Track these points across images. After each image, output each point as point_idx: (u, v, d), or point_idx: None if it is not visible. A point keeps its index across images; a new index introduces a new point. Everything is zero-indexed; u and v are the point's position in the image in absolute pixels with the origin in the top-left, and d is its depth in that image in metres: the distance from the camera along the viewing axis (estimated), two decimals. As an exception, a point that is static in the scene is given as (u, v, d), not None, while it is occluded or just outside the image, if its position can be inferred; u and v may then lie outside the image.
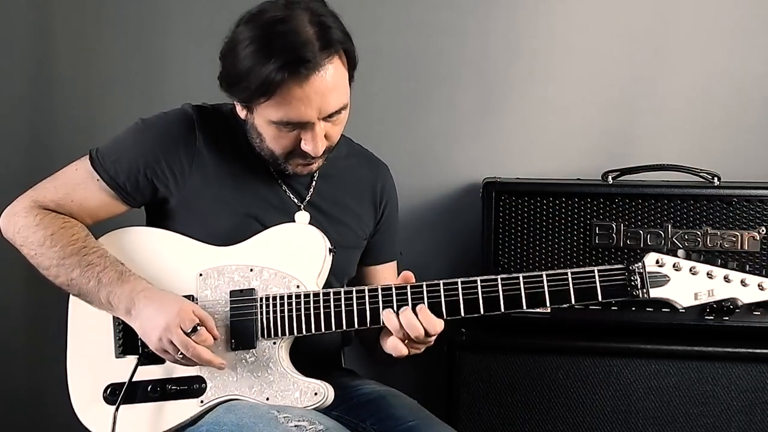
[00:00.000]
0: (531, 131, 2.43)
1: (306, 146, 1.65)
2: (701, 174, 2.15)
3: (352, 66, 1.66)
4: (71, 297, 1.75)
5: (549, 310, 2.12)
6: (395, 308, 1.58)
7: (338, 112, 1.64)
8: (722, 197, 2.09)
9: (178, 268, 1.71)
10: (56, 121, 2.52)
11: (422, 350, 1.66)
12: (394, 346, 1.60)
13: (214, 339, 1.62)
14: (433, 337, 1.61)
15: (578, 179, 2.25)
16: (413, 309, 1.57)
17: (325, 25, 1.59)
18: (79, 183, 1.74)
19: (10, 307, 2.57)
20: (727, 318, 2.07)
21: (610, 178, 2.17)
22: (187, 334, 1.58)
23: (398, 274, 1.66)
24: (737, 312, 2.04)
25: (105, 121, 2.39)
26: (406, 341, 1.59)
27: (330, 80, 1.59)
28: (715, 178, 2.13)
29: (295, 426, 1.51)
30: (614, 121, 2.40)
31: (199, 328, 1.58)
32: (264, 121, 1.65)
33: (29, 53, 2.51)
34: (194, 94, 1.84)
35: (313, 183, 1.81)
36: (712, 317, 2.07)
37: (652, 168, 2.19)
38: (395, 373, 2.45)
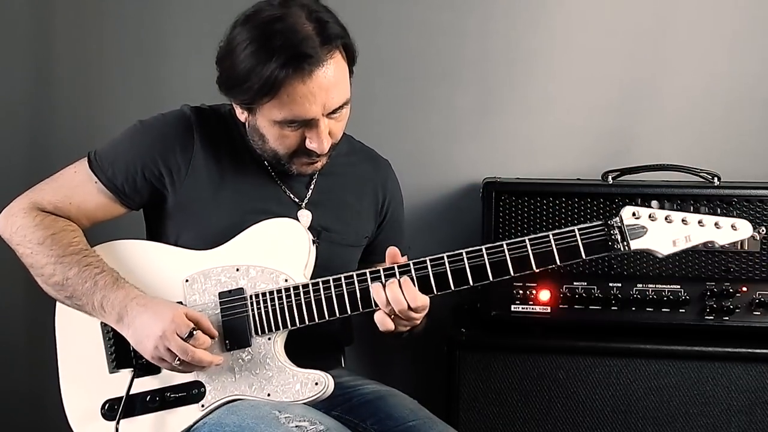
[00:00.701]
0: (531, 131, 2.43)
1: (311, 144, 1.65)
2: (701, 174, 2.15)
3: (351, 60, 1.66)
4: (57, 316, 1.74)
5: (549, 310, 2.12)
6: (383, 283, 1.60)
7: (341, 107, 1.64)
8: (722, 197, 2.08)
9: (164, 277, 1.70)
10: (56, 121, 2.52)
11: (408, 327, 1.66)
12: (381, 320, 1.60)
13: (212, 338, 1.62)
14: (420, 314, 1.61)
15: (578, 179, 2.25)
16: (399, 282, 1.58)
17: (323, 20, 1.59)
18: (77, 185, 1.74)
19: (10, 309, 2.57)
20: (727, 318, 2.07)
21: (610, 178, 2.17)
22: (185, 340, 1.57)
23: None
24: (737, 311, 2.06)
25: (105, 121, 2.40)
26: (392, 316, 1.59)
27: (332, 75, 1.59)
28: (715, 178, 2.13)
29: (296, 426, 1.51)
30: (614, 121, 2.40)
31: (195, 332, 1.58)
32: (267, 122, 1.64)
33: (29, 53, 2.51)
34: (194, 95, 1.84)
35: (313, 181, 1.81)
36: (712, 317, 2.08)
37: (652, 168, 2.19)
38: (395, 373, 2.45)
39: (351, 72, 1.67)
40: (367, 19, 2.37)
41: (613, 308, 2.11)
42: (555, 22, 2.40)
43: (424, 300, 1.59)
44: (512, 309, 2.13)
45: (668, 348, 2.07)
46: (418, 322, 1.65)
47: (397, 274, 1.60)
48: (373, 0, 2.42)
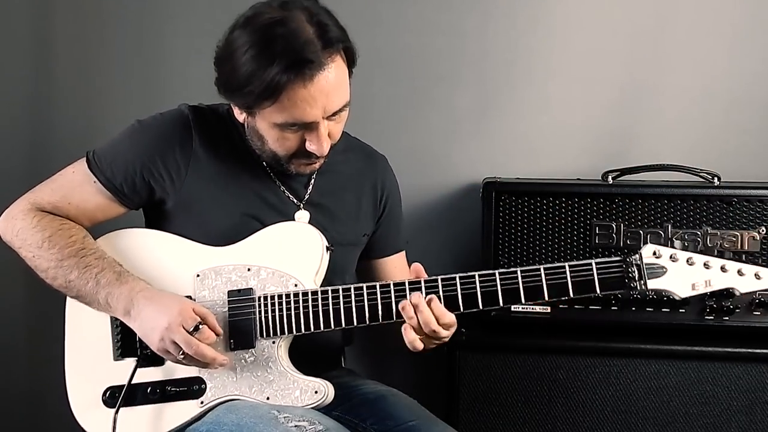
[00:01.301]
0: (531, 131, 2.43)
1: (311, 146, 1.64)
2: (701, 174, 2.15)
3: (351, 62, 1.65)
4: (68, 301, 1.75)
5: (549, 310, 2.12)
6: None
7: (341, 110, 1.64)
8: (722, 197, 2.09)
9: (175, 270, 1.70)
10: (56, 121, 2.52)
11: (435, 346, 1.65)
12: (411, 341, 1.59)
13: (216, 335, 1.62)
14: (448, 332, 1.60)
15: (578, 179, 2.25)
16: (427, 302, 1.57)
17: (323, 23, 1.58)
18: (76, 185, 1.74)
19: (11, 308, 2.57)
20: (727, 318, 2.07)
21: (610, 178, 2.17)
22: (190, 333, 1.57)
23: (408, 263, 1.65)
24: (737, 311, 2.06)
25: (105, 121, 2.40)
26: (422, 337, 1.59)
27: (333, 79, 1.58)
28: (715, 178, 2.13)
29: (295, 426, 1.51)
30: (614, 121, 2.40)
31: (201, 326, 1.58)
32: (267, 125, 1.64)
33: (29, 53, 2.51)
34: (194, 95, 1.84)
35: (312, 181, 1.81)
36: (712, 317, 2.08)
37: (652, 168, 2.19)
38: (395, 373, 2.45)
39: (351, 73, 1.67)
40: (367, 19, 2.37)
41: (613, 308, 2.11)
42: (555, 22, 2.40)
43: (451, 317, 1.58)
44: (512, 309, 2.13)
45: (668, 348, 2.07)
46: (446, 339, 1.63)
47: (407, 294, 1.59)
48: (373, 0, 2.42)
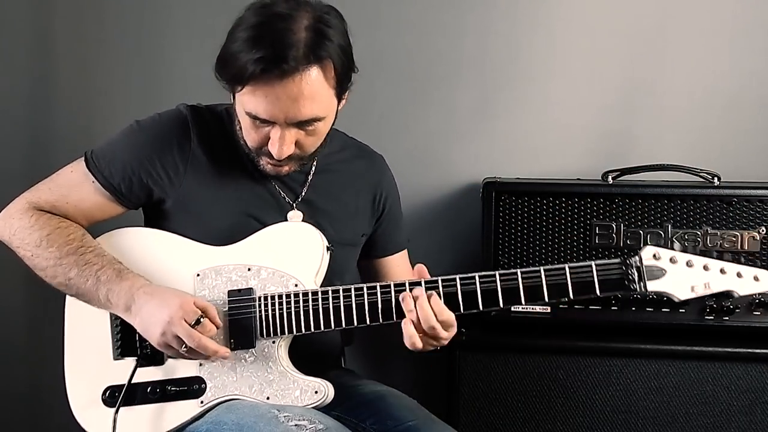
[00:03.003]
0: (531, 131, 2.43)
1: (270, 146, 1.64)
2: (701, 174, 2.15)
3: (341, 83, 1.63)
4: (67, 300, 1.75)
5: (549, 310, 2.12)
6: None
7: (310, 122, 1.62)
8: (722, 197, 2.09)
9: (175, 269, 1.70)
10: (56, 121, 2.52)
11: (434, 347, 1.64)
12: (410, 337, 1.58)
13: (217, 328, 1.62)
14: (447, 333, 1.59)
15: (578, 179, 2.25)
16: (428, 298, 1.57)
17: (323, 34, 1.57)
18: (74, 185, 1.74)
19: (10, 307, 2.57)
20: (727, 318, 2.07)
21: (610, 178, 2.17)
22: (192, 326, 1.58)
23: (410, 262, 1.64)
24: (737, 311, 2.06)
25: (105, 121, 2.40)
26: (421, 335, 1.58)
27: (306, 88, 1.57)
28: (715, 178, 2.13)
29: (296, 425, 1.51)
30: (614, 121, 2.40)
31: (202, 320, 1.58)
32: (241, 109, 1.65)
33: (29, 53, 2.51)
34: (194, 95, 1.84)
35: (308, 180, 1.81)
36: (712, 317, 2.08)
37: (652, 168, 2.19)
38: (395, 373, 2.45)
39: (340, 95, 1.65)
40: (367, 19, 2.37)
41: (613, 308, 2.11)
42: (555, 22, 2.40)
43: (450, 315, 1.58)
44: (512, 309, 2.13)
45: (668, 348, 2.07)
46: (446, 342, 1.62)
47: (407, 287, 1.59)
48: (373, 0, 2.42)
